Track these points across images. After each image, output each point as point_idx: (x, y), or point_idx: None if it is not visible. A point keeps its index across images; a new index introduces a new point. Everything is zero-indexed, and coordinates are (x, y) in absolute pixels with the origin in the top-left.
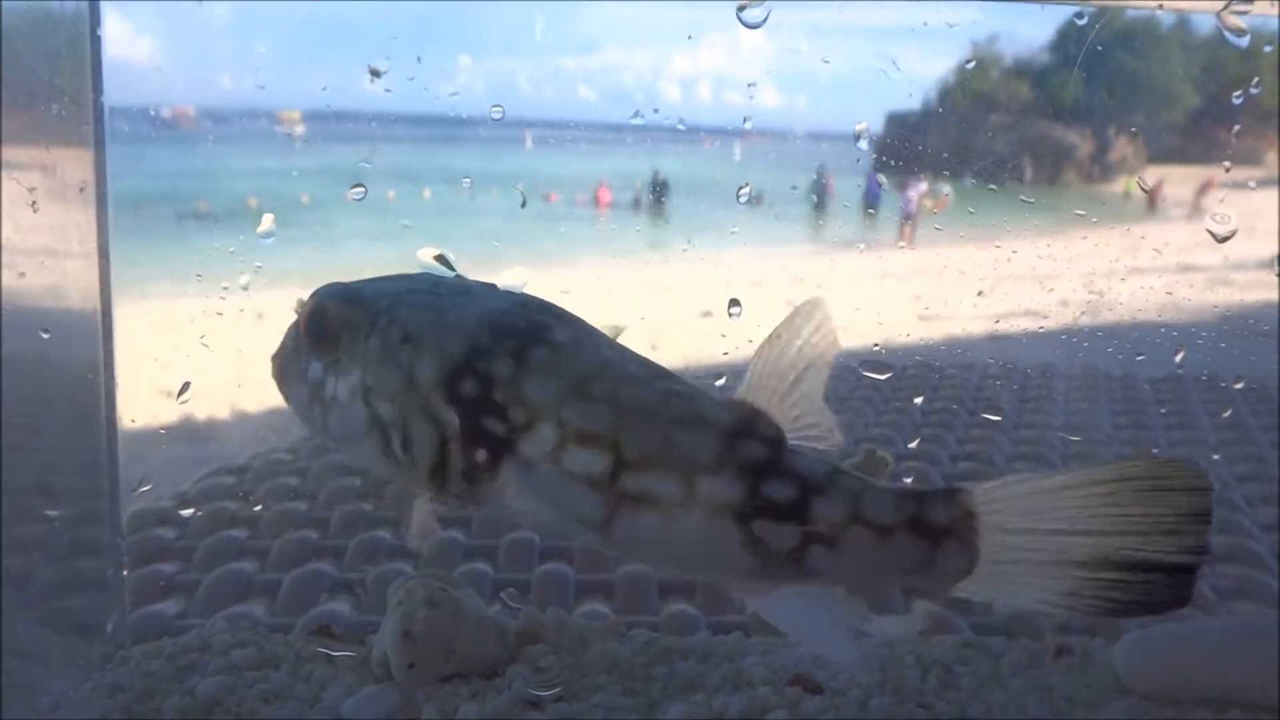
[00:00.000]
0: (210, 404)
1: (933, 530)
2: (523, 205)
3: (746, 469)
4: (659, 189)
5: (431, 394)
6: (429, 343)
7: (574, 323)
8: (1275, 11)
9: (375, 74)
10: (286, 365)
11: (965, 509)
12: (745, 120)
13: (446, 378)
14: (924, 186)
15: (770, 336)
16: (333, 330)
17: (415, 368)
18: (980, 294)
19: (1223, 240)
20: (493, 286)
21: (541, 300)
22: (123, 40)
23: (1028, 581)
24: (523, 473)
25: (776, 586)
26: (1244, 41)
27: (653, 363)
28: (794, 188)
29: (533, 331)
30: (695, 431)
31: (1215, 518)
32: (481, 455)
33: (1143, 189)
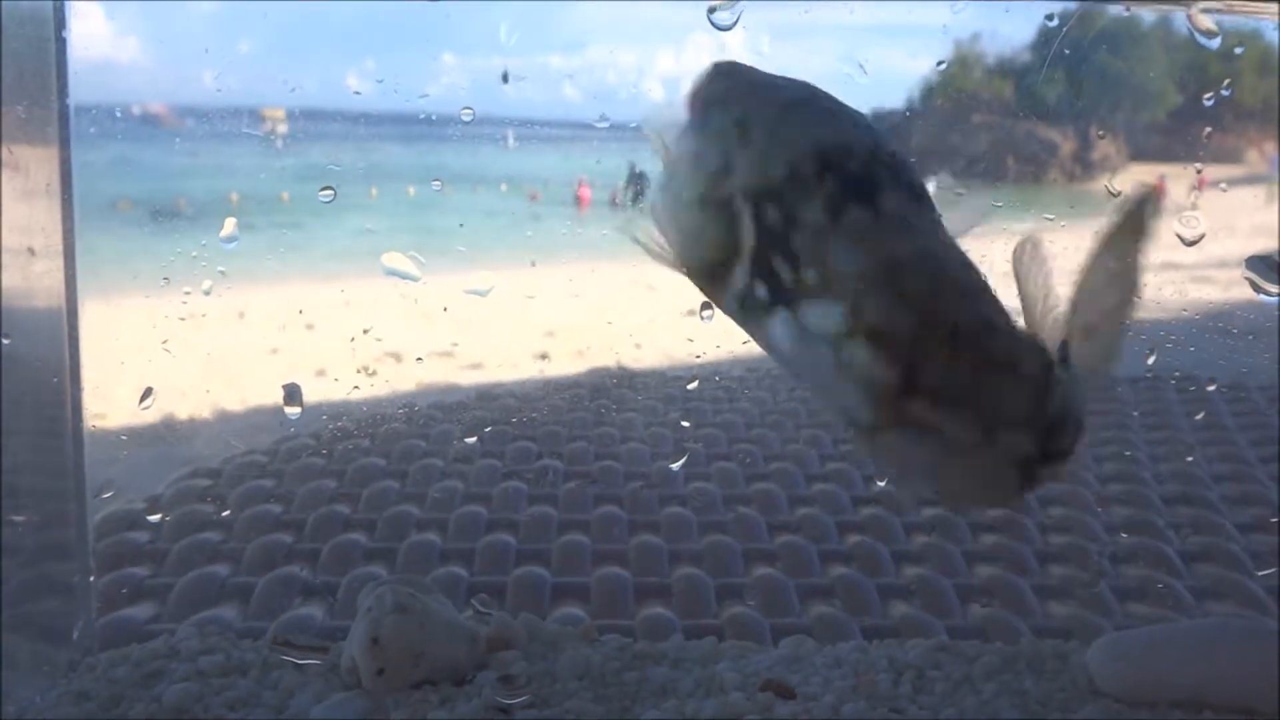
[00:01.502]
0: (184, 406)
1: None
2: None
3: (1048, 424)
4: (637, 184)
5: (735, 198)
6: (754, 145)
7: (910, 185)
8: (1247, 11)
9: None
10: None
11: None
12: None
13: (753, 191)
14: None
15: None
16: (698, 97)
17: (731, 162)
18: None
19: (1191, 244)
20: (858, 114)
21: (893, 148)
22: (103, 39)
23: None
24: (796, 336)
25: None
26: (1214, 43)
27: (971, 263)
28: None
29: (862, 182)
30: (1010, 380)
31: (1192, 517)
32: (761, 291)
33: (1110, 193)
